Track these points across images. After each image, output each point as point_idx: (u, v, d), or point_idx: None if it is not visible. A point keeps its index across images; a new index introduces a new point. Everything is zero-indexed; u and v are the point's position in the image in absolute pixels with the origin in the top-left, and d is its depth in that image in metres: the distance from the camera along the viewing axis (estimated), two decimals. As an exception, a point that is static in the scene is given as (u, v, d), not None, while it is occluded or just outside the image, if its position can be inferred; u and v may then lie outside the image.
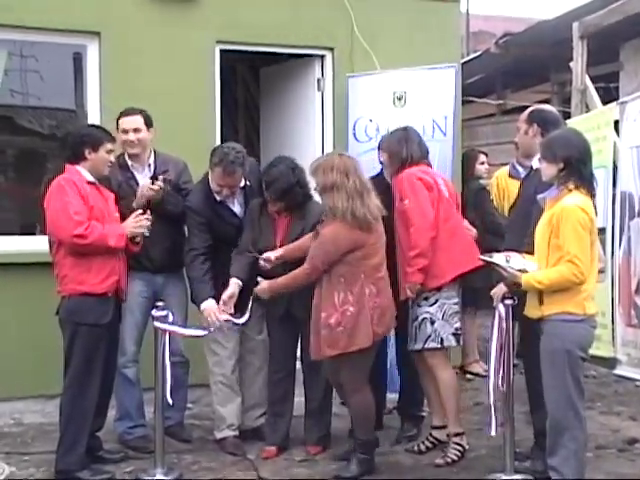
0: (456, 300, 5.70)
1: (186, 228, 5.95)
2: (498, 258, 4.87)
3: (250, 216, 5.81)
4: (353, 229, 5.26)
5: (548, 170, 4.74)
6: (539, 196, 4.87)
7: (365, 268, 5.29)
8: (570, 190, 4.66)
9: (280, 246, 5.63)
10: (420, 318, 5.63)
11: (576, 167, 4.68)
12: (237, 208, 5.93)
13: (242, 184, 5.88)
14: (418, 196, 5.58)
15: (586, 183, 4.71)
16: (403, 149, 5.78)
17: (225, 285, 5.67)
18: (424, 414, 6.30)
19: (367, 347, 5.30)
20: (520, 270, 4.69)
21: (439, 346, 5.63)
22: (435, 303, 5.62)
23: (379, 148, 6.05)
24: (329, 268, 5.26)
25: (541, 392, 5.26)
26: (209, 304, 5.64)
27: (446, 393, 5.70)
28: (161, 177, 5.77)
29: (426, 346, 5.64)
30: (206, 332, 5.69)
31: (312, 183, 5.52)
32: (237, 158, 5.68)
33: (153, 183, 5.71)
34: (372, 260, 5.34)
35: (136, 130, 5.84)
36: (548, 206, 4.77)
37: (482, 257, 5.06)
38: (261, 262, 5.54)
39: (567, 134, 4.93)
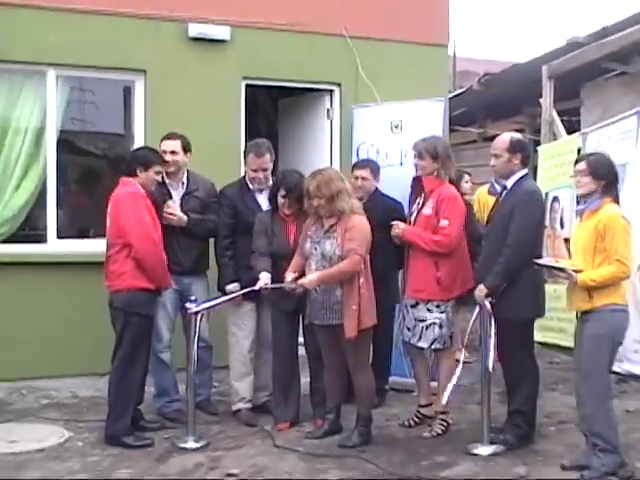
0: (454, 309, 5.68)
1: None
2: (560, 262, 4.87)
3: (262, 224, 5.73)
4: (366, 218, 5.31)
5: (590, 185, 4.72)
6: (577, 207, 4.89)
7: (366, 259, 5.29)
8: (609, 202, 4.69)
9: (294, 244, 5.57)
10: (429, 321, 5.54)
11: (613, 183, 4.74)
12: (263, 201, 5.93)
13: (269, 183, 5.92)
14: (459, 224, 5.54)
15: (617, 196, 4.76)
16: (452, 159, 5.71)
17: (242, 269, 5.76)
18: (387, 387, 6.39)
19: (370, 327, 5.28)
20: (575, 271, 4.66)
21: (442, 347, 5.61)
22: (444, 312, 5.56)
23: (422, 151, 5.60)
24: None
25: (515, 378, 5.28)
26: (233, 286, 5.75)
27: (444, 377, 5.64)
28: (170, 202, 5.76)
29: (433, 347, 5.60)
30: (232, 297, 5.68)
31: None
32: (263, 143, 5.96)
33: (181, 204, 5.80)
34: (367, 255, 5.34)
35: (173, 152, 5.84)
36: (587, 216, 4.77)
37: (540, 262, 4.99)
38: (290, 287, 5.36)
39: (608, 158, 4.91)
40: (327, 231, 5.30)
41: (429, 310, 5.55)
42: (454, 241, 5.50)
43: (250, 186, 5.97)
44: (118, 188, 5.40)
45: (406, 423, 5.85)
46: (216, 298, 5.76)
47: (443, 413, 5.64)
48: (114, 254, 5.32)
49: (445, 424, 5.61)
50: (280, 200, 5.65)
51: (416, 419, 5.86)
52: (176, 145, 5.86)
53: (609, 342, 4.64)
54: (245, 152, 6.02)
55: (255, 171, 5.89)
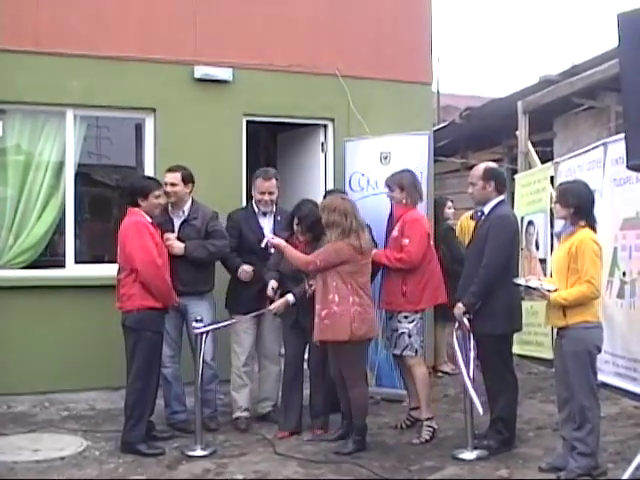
0: (424, 321, 5.82)
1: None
2: (532, 282, 4.86)
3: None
4: (351, 249, 5.33)
5: (561, 212, 4.80)
6: (555, 231, 4.92)
7: (353, 282, 5.33)
8: (583, 227, 4.72)
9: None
10: (400, 331, 5.70)
11: (584, 210, 4.74)
12: (266, 225, 6.09)
13: (274, 209, 6.10)
14: (420, 243, 5.67)
15: (592, 221, 4.77)
16: (417, 188, 5.87)
17: (244, 288, 5.94)
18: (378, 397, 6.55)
19: (359, 343, 5.34)
20: (549, 290, 4.70)
21: (414, 354, 5.69)
22: (413, 322, 5.69)
23: (391, 185, 5.89)
24: (327, 272, 5.30)
25: (495, 388, 5.30)
26: (246, 267, 5.93)
27: (420, 385, 5.74)
28: (167, 235, 5.75)
29: (403, 354, 5.71)
30: (234, 321, 5.85)
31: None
32: (271, 170, 6.22)
33: (179, 238, 5.79)
34: (360, 278, 5.38)
35: (173, 184, 5.84)
36: (563, 239, 4.84)
37: (517, 281, 5.02)
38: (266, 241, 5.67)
39: (577, 185, 4.94)
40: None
41: (399, 321, 5.70)
42: (414, 257, 5.65)
43: (256, 210, 6.10)
44: (126, 217, 5.46)
45: (398, 426, 5.90)
46: (224, 320, 5.90)
47: (429, 419, 5.67)
48: (123, 278, 5.37)
49: (432, 430, 5.63)
50: (295, 227, 5.78)
51: (407, 422, 5.92)
52: (176, 177, 5.86)
53: (586, 356, 4.66)
54: (253, 177, 6.15)
55: (262, 194, 6.03)
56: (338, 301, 5.29)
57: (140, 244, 5.27)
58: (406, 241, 5.68)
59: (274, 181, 6.08)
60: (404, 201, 5.81)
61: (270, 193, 6.06)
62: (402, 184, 5.83)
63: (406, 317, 5.70)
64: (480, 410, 5.04)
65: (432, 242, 5.95)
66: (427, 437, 5.59)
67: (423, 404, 5.71)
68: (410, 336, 5.68)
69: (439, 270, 5.88)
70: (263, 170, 6.18)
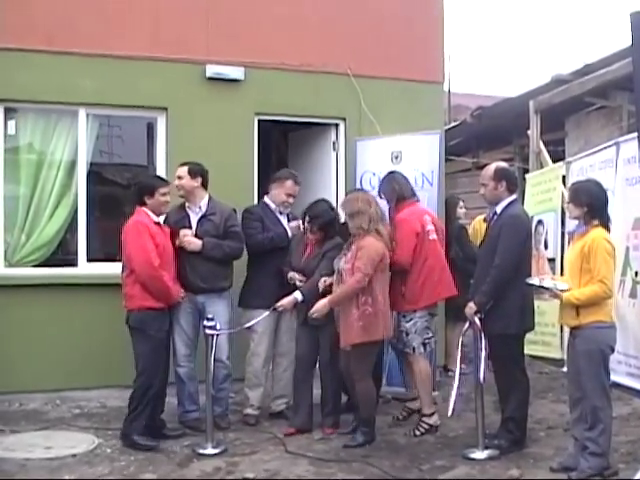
0: (427, 318, 5.83)
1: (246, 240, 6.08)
2: (546, 282, 4.86)
3: (294, 242, 5.99)
4: (381, 242, 5.37)
5: (574, 212, 4.79)
6: (568, 231, 4.93)
7: (380, 279, 5.39)
8: (595, 226, 4.70)
9: (303, 264, 5.77)
10: (399, 329, 5.77)
11: (597, 209, 4.73)
12: (284, 221, 6.22)
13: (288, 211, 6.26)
14: (407, 244, 5.71)
15: (605, 221, 4.76)
16: (395, 187, 5.94)
17: (268, 283, 5.97)
18: (389, 396, 6.64)
19: (375, 341, 5.39)
20: (562, 290, 4.69)
21: (411, 352, 5.74)
22: (410, 321, 5.74)
23: (379, 195, 6.10)
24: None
25: (507, 387, 5.29)
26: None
27: (417, 381, 5.81)
28: (182, 231, 5.77)
29: (404, 350, 5.81)
30: (241, 328, 5.82)
31: (341, 215, 5.67)
32: (298, 175, 6.37)
33: (196, 235, 5.80)
34: (384, 275, 5.45)
35: (179, 177, 5.88)
36: (576, 239, 4.83)
37: (530, 281, 5.00)
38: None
39: (589, 185, 4.91)
40: (346, 247, 5.50)
41: (399, 320, 5.77)
42: (402, 260, 5.70)
43: (272, 207, 6.18)
44: (131, 217, 5.50)
45: (394, 417, 5.97)
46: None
47: (426, 415, 5.72)
48: (125, 277, 5.45)
49: (427, 426, 5.69)
50: (306, 225, 5.82)
51: (404, 413, 6.05)
52: (183, 171, 5.89)
53: (599, 355, 4.64)
54: (282, 177, 6.24)
55: (289, 196, 6.16)
56: (371, 302, 5.32)
57: (138, 244, 5.30)
58: (394, 244, 5.72)
59: (299, 186, 6.29)
60: (390, 206, 5.97)
61: (294, 196, 6.24)
62: (382, 193, 6.04)
63: (404, 316, 5.76)
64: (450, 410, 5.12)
65: (436, 237, 5.87)
66: (418, 433, 5.66)
67: (423, 400, 5.76)
68: (408, 334, 5.74)
69: (439, 266, 5.86)
70: (292, 173, 6.34)
